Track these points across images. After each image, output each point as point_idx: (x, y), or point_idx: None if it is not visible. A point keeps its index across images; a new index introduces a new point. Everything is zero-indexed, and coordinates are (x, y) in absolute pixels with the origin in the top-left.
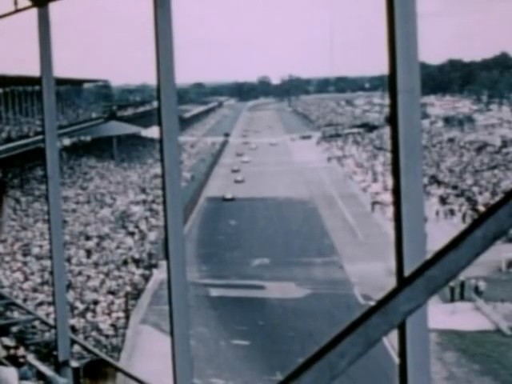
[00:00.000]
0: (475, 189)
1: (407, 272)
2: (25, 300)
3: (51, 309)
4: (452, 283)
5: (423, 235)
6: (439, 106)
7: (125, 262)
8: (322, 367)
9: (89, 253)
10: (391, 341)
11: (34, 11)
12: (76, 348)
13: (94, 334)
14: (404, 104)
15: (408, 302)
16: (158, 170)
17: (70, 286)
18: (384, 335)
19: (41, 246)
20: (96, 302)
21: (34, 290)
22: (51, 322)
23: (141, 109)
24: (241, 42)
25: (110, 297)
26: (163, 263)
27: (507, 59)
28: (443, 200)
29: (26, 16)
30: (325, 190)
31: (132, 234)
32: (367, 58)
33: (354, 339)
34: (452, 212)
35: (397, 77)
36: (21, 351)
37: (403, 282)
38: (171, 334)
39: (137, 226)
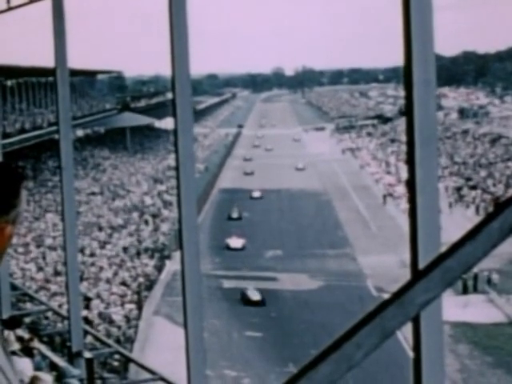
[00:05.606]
0: (489, 181)
1: (422, 263)
2: (37, 291)
3: (64, 299)
4: (465, 275)
5: (438, 227)
6: (453, 97)
7: (138, 253)
8: (339, 358)
9: (102, 244)
10: (404, 333)
11: (49, 2)
12: (89, 339)
13: (105, 325)
14: (419, 95)
15: (424, 293)
16: (171, 161)
17: (82, 277)
18: (400, 327)
19: (54, 237)
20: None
21: (47, 281)
22: (64, 312)
23: (154, 100)
24: (255, 33)
25: (123, 288)
26: (176, 254)
27: None
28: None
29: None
30: (338, 182)
31: (145, 224)
32: (381, 49)
33: (370, 330)
34: (461, 197)
35: (412, 68)
36: (35, 343)
37: (419, 273)
38: (185, 325)
39: (153, 216)
